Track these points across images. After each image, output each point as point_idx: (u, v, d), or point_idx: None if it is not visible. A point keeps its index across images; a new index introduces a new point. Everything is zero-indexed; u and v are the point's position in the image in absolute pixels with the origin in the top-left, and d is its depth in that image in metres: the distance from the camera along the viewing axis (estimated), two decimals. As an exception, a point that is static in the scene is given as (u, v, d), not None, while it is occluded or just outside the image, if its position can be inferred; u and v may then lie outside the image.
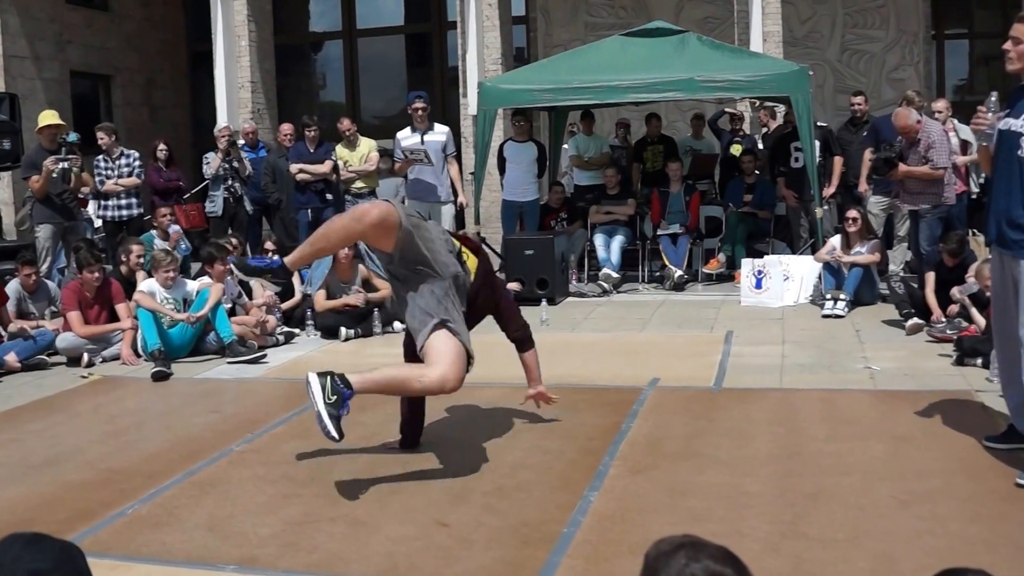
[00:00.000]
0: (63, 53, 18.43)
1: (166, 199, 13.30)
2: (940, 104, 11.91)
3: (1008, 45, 5.17)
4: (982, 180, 12.34)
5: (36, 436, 6.89)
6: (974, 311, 8.53)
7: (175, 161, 14.11)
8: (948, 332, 8.73)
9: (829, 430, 6.27)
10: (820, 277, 11.12)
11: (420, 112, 12.51)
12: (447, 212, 12.78)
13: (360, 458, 5.97)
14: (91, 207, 13.65)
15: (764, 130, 15.17)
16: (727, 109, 15.32)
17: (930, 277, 9.49)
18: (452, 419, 6.79)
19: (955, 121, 12.00)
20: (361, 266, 10.56)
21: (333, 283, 10.44)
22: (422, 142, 12.39)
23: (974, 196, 12.36)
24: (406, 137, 12.58)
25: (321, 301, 10.32)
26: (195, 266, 11.80)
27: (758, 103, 15.23)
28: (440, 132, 12.67)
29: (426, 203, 12.52)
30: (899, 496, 5.00)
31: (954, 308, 9.05)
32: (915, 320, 9.25)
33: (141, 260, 10.57)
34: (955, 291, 8.90)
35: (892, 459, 5.62)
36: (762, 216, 13.59)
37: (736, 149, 14.53)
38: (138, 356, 9.32)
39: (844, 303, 10.41)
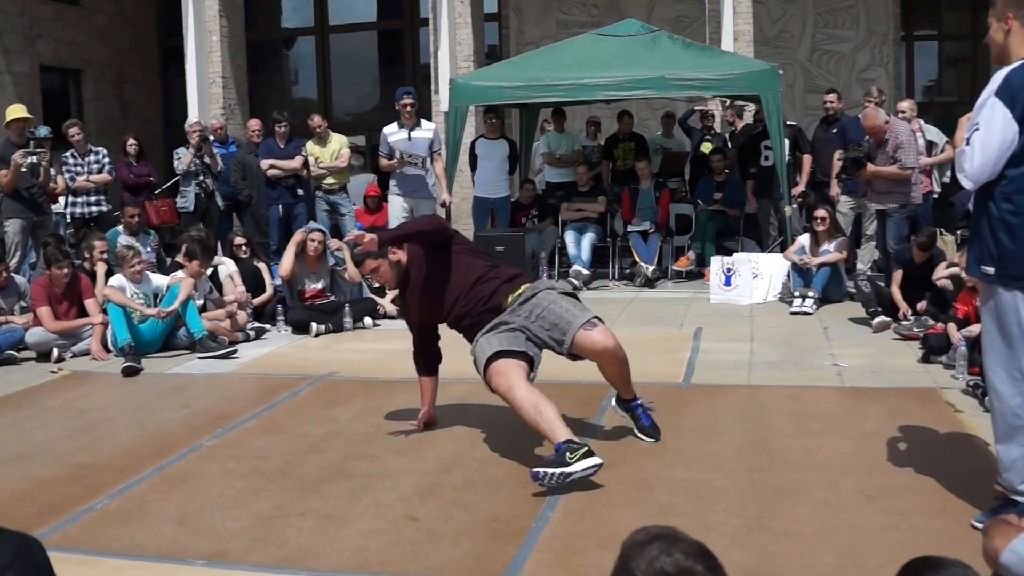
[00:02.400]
0: (33, 47, 18.29)
1: (136, 195, 13.21)
2: (904, 104, 11.95)
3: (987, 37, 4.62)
4: (946, 179, 12.43)
5: (5, 431, 6.85)
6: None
7: (145, 156, 14.03)
8: (915, 330, 8.81)
9: (796, 426, 6.32)
10: (789, 275, 11.18)
11: (409, 108, 12.40)
12: (430, 209, 12.77)
13: (330, 453, 5.98)
14: (60, 203, 13.54)
15: (731, 129, 15.23)
16: (697, 108, 15.36)
17: (897, 275, 9.57)
18: (422, 415, 6.81)
19: (921, 121, 12.07)
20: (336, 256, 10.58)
21: (301, 271, 10.45)
22: (409, 138, 12.31)
23: (936, 195, 12.45)
24: (393, 133, 12.45)
25: (286, 266, 10.35)
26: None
27: (728, 102, 15.29)
28: (427, 129, 12.58)
29: (413, 199, 12.49)
30: (865, 491, 5.05)
31: (922, 305, 9.13)
32: (882, 318, 9.32)
33: (104, 255, 10.52)
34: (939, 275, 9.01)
35: (858, 455, 5.67)
36: (732, 214, 13.63)
37: (707, 147, 14.57)
38: (108, 351, 9.30)
39: (812, 301, 10.47)
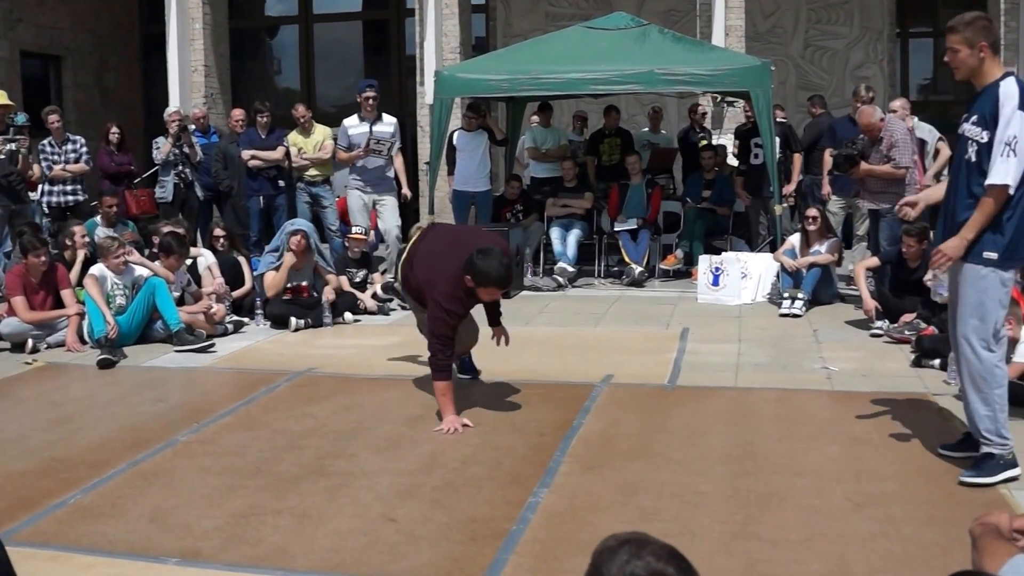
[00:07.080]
0: (13, 32, 18.10)
1: (117, 183, 13.10)
2: (897, 103, 11.80)
3: (948, 57, 5.28)
4: (943, 179, 12.32)
5: (-24, 423, 6.76)
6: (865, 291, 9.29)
7: (126, 145, 13.89)
8: (906, 333, 8.71)
9: (784, 430, 6.24)
10: (778, 275, 11.08)
11: (371, 102, 12.39)
12: (392, 203, 12.66)
13: (307, 451, 5.90)
14: (36, 191, 13.42)
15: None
16: (691, 114, 15.23)
17: (872, 260, 9.76)
18: (401, 413, 6.72)
19: (915, 119, 11.94)
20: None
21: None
22: (370, 132, 12.28)
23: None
24: (354, 126, 12.46)
25: (272, 282, 10.16)
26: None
27: (719, 98, 15.20)
28: (388, 123, 12.56)
29: (373, 194, 12.43)
30: (853, 498, 4.98)
31: (908, 316, 8.99)
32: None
33: (86, 240, 10.41)
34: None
35: (847, 460, 5.60)
36: (721, 212, 13.52)
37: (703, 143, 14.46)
38: (84, 343, 9.17)
39: (802, 302, 10.37)
